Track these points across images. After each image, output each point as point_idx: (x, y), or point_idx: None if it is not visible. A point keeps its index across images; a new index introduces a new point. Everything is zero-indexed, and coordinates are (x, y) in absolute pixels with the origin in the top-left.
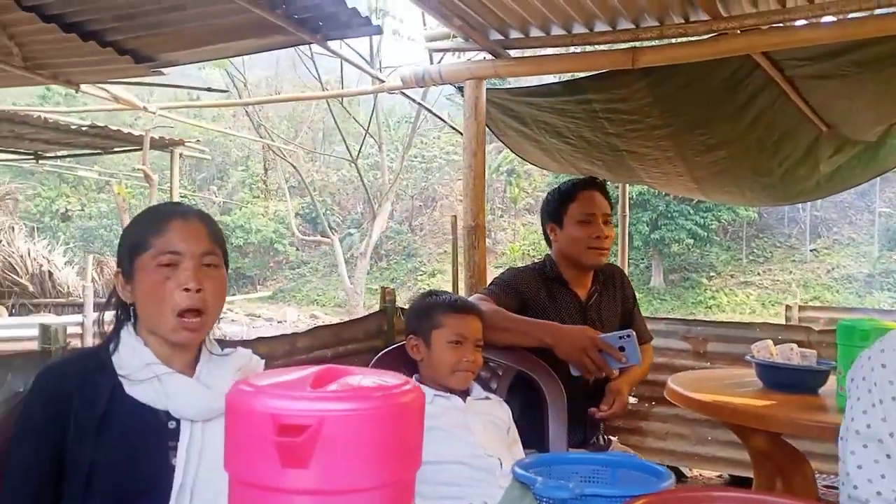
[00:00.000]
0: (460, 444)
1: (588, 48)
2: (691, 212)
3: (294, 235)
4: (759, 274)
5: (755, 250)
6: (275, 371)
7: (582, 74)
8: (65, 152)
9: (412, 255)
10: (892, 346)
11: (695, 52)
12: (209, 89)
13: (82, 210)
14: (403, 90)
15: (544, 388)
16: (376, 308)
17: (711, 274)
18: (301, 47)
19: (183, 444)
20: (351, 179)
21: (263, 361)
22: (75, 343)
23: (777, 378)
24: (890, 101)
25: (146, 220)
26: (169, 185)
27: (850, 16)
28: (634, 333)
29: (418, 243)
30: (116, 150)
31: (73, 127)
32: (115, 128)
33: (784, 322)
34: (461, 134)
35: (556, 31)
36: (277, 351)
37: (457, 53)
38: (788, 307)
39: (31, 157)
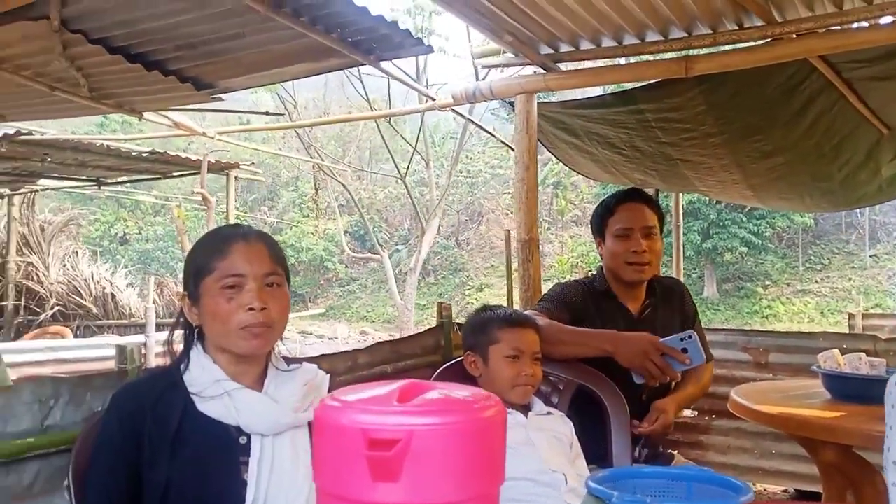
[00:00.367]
0: (525, 460)
1: (640, 58)
2: (744, 219)
3: (344, 253)
4: (816, 282)
5: (812, 257)
6: (356, 387)
7: (632, 85)
8: (125, 178)
9: (459, 270)
10: None
11: (750, 59)
12: (267, 113)
13: (139, 233)
14: (454, 107)
15: (606, 401)
16: (427, 324)
17: (767, 283)
18: (350, 69)
19: (254, 459)
20: (398, 196)
21: (329, 376)
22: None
23: (846, 388)
24: None
25: (209, 243)
26: (224, 206)
27: None
28: (696, 334)
29: (465, 258)
30: (175, 174)
31: (133, 153)
32: (173, 153)
33: (847, 331)
34: (510, 148)
35: (607, 42)
36: (339, 367)
37: (503, 69)
38: (851, 315)
39: (94, 183)
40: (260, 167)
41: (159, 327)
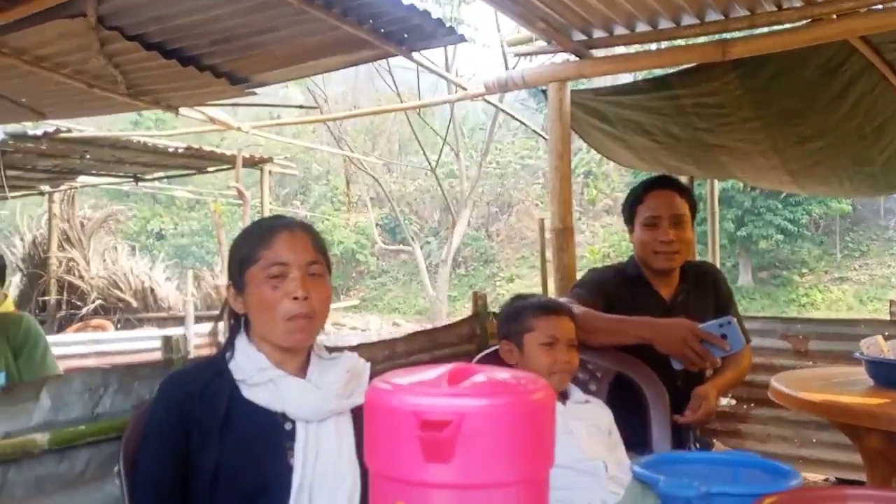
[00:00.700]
0: (564, 448)
1: (675, 43)
2: (780, 206)
3: (375, 245)
4: (854, 269)
5: (850, 244)
6: (405, 370)
7: (665, 70)
8: (161, 174)
9: (490, 262)
10: None
11: (789, 40)
12: (301, 106)
13: (175, 228)
14: (486, 96)
15: (645, 389)
16: (459, 315)
17: (804, 270)
18: (379, 61)
19: (300, 445)
20: (427, 188)
21: (369, 364)
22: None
23: (890, 375)
24: None
25: (253, 233)
26: (258, 201)
27: None
28: (735, 319)
29: (496, 249)
30: (209, 170)
31: (170, 149)
32: (208, 148)
33: (889, 318)
34: (543, 137)
35: (642, 27)
36: (378, 356)
37: (531, 57)
38: (893, 302)
39: (131, 179)
40: (292, 162)
41: (198, 320)
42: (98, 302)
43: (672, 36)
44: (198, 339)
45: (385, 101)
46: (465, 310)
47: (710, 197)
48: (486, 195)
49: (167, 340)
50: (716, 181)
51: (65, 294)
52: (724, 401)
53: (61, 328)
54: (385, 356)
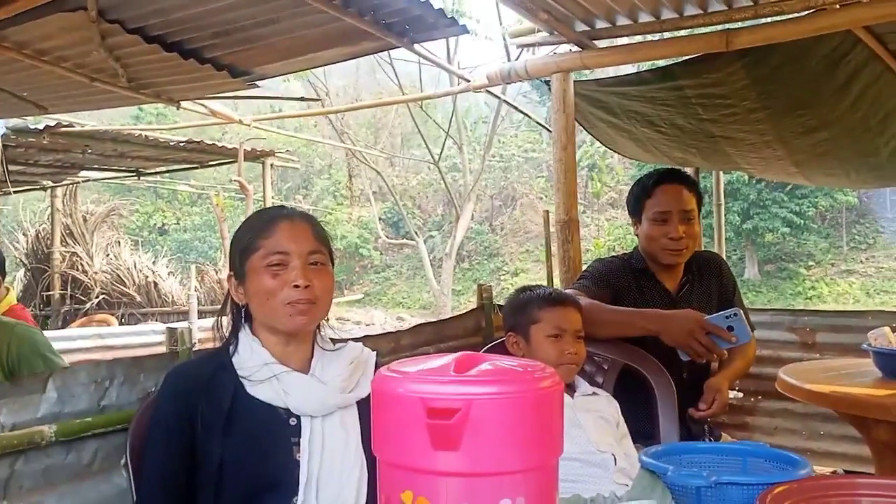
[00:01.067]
0: (573, 440)
1: (678, 33)
2: (785, 199)
3: (378, 240)
4: (861, 261)
5: (856, 237)
6: (412, 359)
7: (669, 61)
8: (163, 168)
9: (494, 255)
10: None
11: (793, 30)
12: (303, 98)
13: (178, 223)
14: (489, 88)
15: (652, 380)
16: (463, 309)
17: (810, 263)
18: (381, 53)
19: (305, 439)
20: (430, 182)
21: (375, 353)
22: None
23: None
24: None
25: (254, 223)
26: (260, 195)
27: None
28: (741, 311)
29: (500, 243)
30: (211, 163)
31: (171, 143)
32: (210, 142)
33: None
34: (547, 130)
35: (644, 17)
36: (383, 348)
37: (532, 49)
38: None
39: (133, 173)
40: (294, 155)
41: (201, 314)
42: (102, 296)
43: (675, 26)
44: (201, 333)
45: (387, 95)
46: (469, 304)
47: (715, 189)
48: (490, 189)
49: (172, 332)
50: (721, 173)
51: (68, 289)
52: (731, 394)
53: (65, 323)
54: (390, 349)
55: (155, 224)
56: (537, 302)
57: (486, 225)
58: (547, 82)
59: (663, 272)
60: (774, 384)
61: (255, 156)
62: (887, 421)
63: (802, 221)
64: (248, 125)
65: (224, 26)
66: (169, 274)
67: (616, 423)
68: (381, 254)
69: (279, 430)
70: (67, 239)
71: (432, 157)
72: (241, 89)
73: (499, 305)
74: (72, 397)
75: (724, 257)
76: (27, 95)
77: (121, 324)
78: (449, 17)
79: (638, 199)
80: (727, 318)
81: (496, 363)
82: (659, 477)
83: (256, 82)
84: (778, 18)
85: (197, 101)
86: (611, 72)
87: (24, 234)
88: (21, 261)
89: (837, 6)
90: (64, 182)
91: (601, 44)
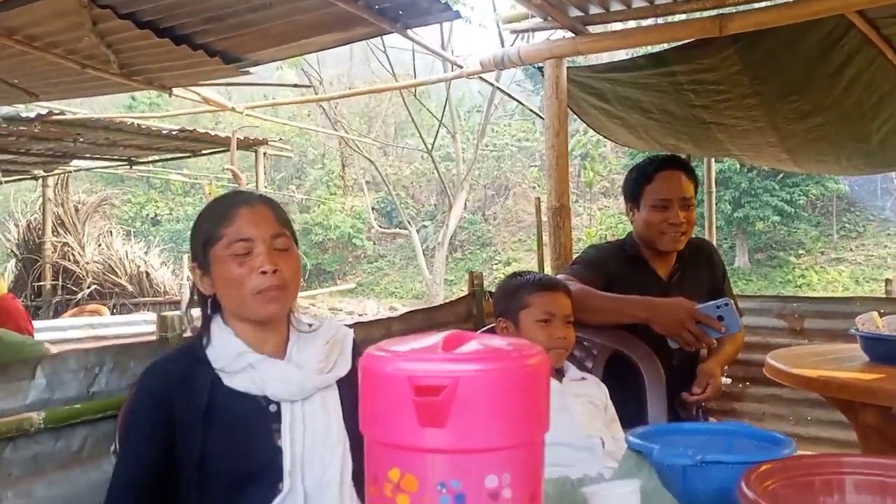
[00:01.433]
0: (561, 425)
1: (671, 18)
2: (776, 187)
3: (371, 230)
4: (851, 250)
5: (846, 225)
6: (400, 339)
7: (662, 46)
8: (156, 157)
9: (487, 245)
10: None
11: (787, 15)
12: (296, 85)
13: (170, 214)
14: (482, 75)
15: (641, 366)
16: (456, 297)
17: (800, 251)
18: (374, 41)
19: (286, 426)
20: (423, 172)
21: (352, 331)
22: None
23: (885, 350)
24: None
25: (214, 211)
26: (253, 185)
27: None
28: (732, 301)
29: (492, 232)
30: (204, 152)
31: (164, 132)
32: (203, 131)
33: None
34: (540, 117)
35: (638, 2)
36: (374, 335)
37: (526, 36)
38: (889, 280)
39: (126, 162)
40: (287, 145)
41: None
42: (94, 287)
43: (669, 11)
44: (196, 322)
45: (381, 83)
46: (461, 293)
47: (706, 178)
48: (483, 178)
49: (162, 319)
50: (713, 162)
51: (60, 279)
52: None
53: (57, 313)
54: (381, 335)
55: (147, 214)
56: (527, 287)
57: (478, 214)
58: (540, 69)
59: (656, 259)
60: (762, 370)
61: (248, 144)
62: (874, 404)
63: (793, 210)
64: (241, 113)
65: (216, 11)
66: (161, 264)
67: (605, 407)
68: (374, 243)
69: (259, 418)
70: (59, 229)
71: (426, 146)
72: (234, 76)
73: (489, 292)
74: (61, 384)
75: (716, 245)
76: (18, 82)
77: (112, 314)
78: (442, 2)
79: (637, 185)
80: (718, 307)
81: (484, 341)
82: (645, 457)
83: (249, 69)
84: (771, 3)
85: (189, 87)
86: (605, 59)
87: (15, 225)
88: (12, 251)
89: None
90: (55, 171)
91: (595, 29)
